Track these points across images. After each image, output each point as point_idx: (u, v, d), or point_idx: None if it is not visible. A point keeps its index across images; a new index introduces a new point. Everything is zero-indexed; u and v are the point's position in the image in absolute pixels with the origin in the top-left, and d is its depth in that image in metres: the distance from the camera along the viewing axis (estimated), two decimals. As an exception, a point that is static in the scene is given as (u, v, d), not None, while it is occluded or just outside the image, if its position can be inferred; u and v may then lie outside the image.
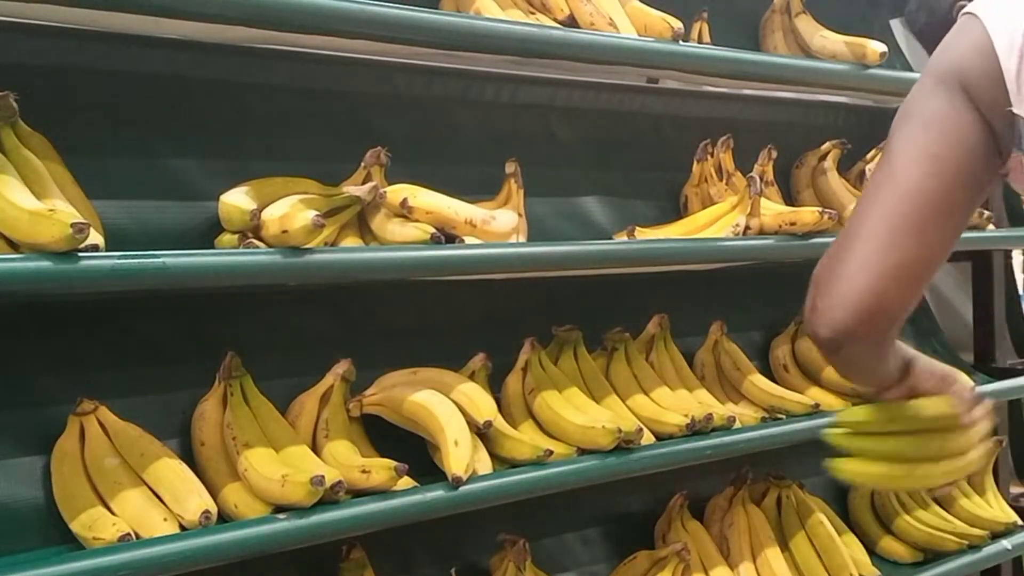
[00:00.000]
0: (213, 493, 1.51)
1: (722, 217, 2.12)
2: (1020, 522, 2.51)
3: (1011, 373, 2.68)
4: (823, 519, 2.22)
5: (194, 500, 1.46)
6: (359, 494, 1.56)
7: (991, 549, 2.40)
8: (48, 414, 1.54)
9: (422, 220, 1.71)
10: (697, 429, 1.93)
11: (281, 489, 1.48)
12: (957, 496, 2.49)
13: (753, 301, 2.42)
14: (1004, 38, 1.03)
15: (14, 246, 1.33)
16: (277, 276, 1.52)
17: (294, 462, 1.55)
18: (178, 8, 1.43)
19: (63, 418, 1.52)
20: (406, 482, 1.61)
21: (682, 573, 2.02)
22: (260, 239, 1.55)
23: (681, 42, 1.97)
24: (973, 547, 2.36)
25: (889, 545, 2.37)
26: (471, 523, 1.82)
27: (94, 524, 1.41)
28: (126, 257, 1.34)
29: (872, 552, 2.35)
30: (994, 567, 2.53)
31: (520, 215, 1.91)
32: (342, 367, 1.73)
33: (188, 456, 1.57)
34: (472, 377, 1.83)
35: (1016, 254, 3.39)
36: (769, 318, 2.43)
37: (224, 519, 1.50)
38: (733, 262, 2.20)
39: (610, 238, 2.13)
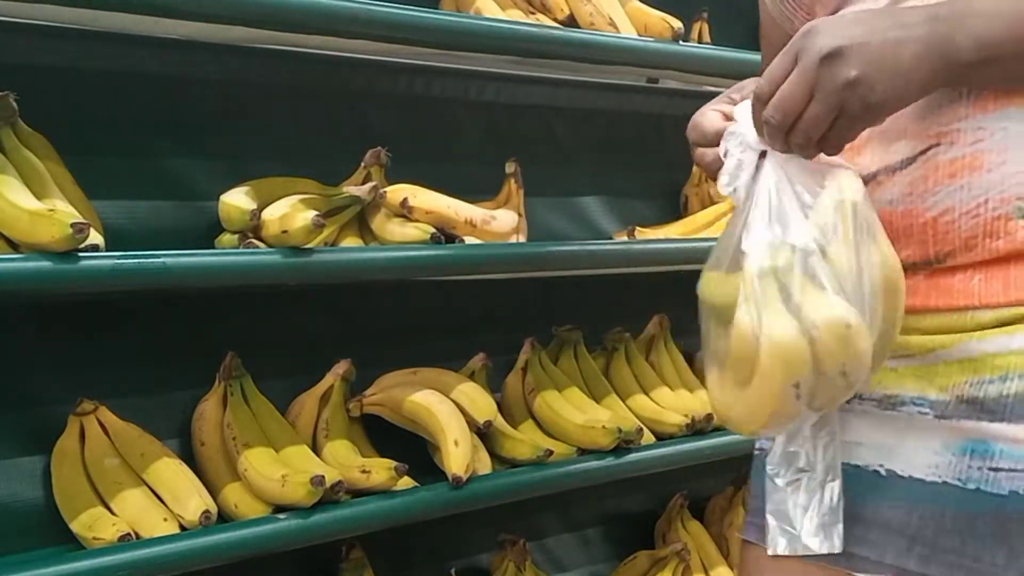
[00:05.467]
0: (213, 493, 1.51)
1: (722, 217, 2.13)
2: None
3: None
4: (823, 519, 2.22)
5: (194, 500, 1.46)
6: (359, 494, 1.56)
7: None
8: (48, 414, 1.54)
9: (422, 220, 1.71)
10: (697, 429, 1.93)
11: (281, 489, 1.48)
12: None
13: (753, 301, 2.41)
14: None
15: (14, 246, 1.33)
16: (277, 276, 1.52)
17: (294, 462, 1.55)
18: (178, 8, 1.43)
19: (63, 418, 1.52)
20: (406, 482, 1.61)
21: (682, 573, 2.02)
22: (260, 239, 1.55)
23: (681, 42, 1.97)
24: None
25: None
26: (471, 523, 1.82)
27: (94, 524, 1.41)
28: (126, 257, 1.34)
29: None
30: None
31: (520, 215, 1.91)
32: (342, 367, 1.73)
33: (188, 456, 1.57)
34: (472, 377, 1.83)
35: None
36: (769, 318, 2.42)
37: (224, 519, 1.50)
38: (733, 262, 2.20)
39: (610, 238, 2.13)
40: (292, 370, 1.76)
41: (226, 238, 1.59)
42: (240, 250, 1.53)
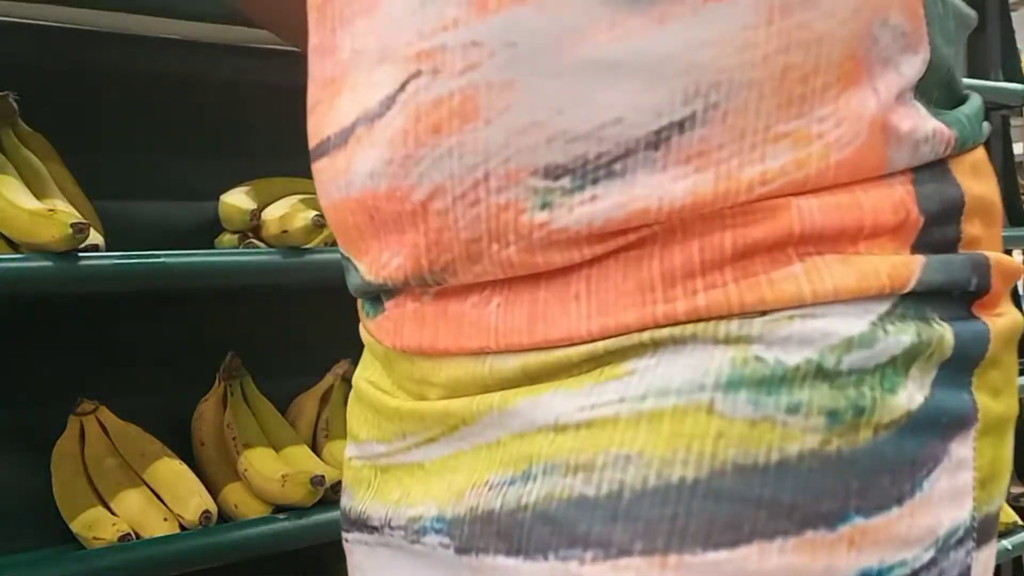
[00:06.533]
0: (213, 493, 1.51)
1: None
2: (1020, 522, 2.51)
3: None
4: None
5: (194, 500, 1.46)
6: (359, 494, 1.56)
7: (991, 549, 2.39)
8: (48, 414, 1.54)
9: (422, 220, 1.71)
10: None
11: (281, 489, 1.48)
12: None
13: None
14: None
15: (14, 246, 1.33)
16: (277, 276, 1.52)
17: (294, 462, 1.55)
18: (178, 8, 1.43)
19: (63, 418, 1.52)
20: (406, 482, 1.61)
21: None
22: (260, 239, 1.55)
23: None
24: (973, 547, 2.36)
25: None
26: (471, 523, 1.82)
27: (94, 524, 1.41)
28: (126, 257, 1.34)
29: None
30: (994, 567, 2.52)
31: (520, 215, 1.90)
32: (342, 367, 1.73)
33: (188, 456, 1.57)
34: (472, 377, 1.83)
35: (1016, 254, 3.39)
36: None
37: (224, 519, 1.50)
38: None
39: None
40: (292, 370, 1.76)
41: (226, 238, 1.59)
42: (240, 250, 1.53)
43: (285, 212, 1.54)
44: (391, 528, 0.66)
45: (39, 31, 1.56)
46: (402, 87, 0.57)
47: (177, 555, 1.37)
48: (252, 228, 1.56)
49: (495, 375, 0.58)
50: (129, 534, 1.38)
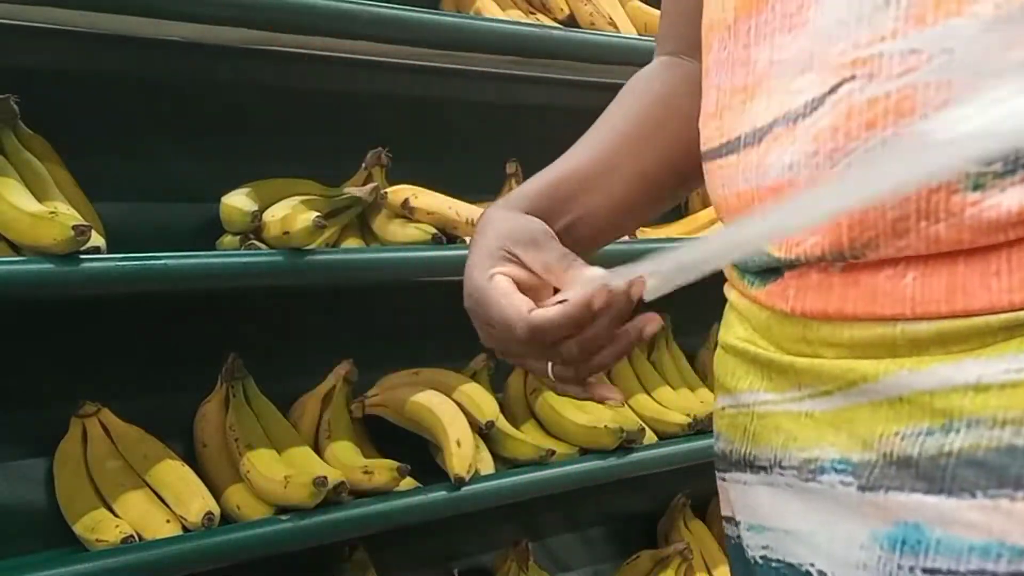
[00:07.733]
0: (216, 494, 1.51)
1: (723, 216, 2.12)
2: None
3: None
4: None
5: (197, 501, 1.46)
6: (361, 495, 1.56)
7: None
8: (50, 416, 1.54)
9: (423, 221, 1.71)
10: (699, 428, 1.93)
11: (283, 490, 1.48)
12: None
13: (754, 300, 2.41)
14: None
15: (16, 248, 1.33)
16: (278, 277, 1.52)
17: (296, 463, 1.55)
18: (179, 11, 1.43)
19: (65, 420, 1.52)
20: (408, 483, 1.61)
21: (685, 573, 2.02)
22: (261, 240, 1.55)
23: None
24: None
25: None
26: (473, 523, 1.82)
27: (97, 526, 1.41)
28: (128, 259, 1.34)
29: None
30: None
31: (521, 215, 1.90)
32: (344, 368, 1.73)
33: (190, 458, 1.57)
34: (474, 377, 1.83)
35: None
36: (770, 317, 2.42)
37: (227, 520, 1.50)
38: (734, 261, 2.20)
39: (611, 238, 2.12)
40: (294, 371, 1.76)
41: (227, 240, 1.59)
42: (241, 251, 1.53)
43: (286, 213, 1.54)
44: (781, 468, 0.75)
45: (40, 34, 1.56)
46: (832, 90, 0.66)
47: (180, 556, 1.37)
48: (253, 230, 1.56)
49: (906, 339, 0.66)
50: (132, 536, 1.38)
